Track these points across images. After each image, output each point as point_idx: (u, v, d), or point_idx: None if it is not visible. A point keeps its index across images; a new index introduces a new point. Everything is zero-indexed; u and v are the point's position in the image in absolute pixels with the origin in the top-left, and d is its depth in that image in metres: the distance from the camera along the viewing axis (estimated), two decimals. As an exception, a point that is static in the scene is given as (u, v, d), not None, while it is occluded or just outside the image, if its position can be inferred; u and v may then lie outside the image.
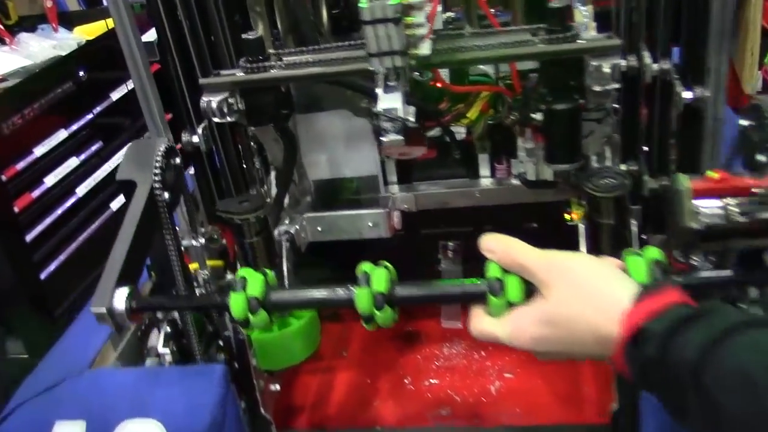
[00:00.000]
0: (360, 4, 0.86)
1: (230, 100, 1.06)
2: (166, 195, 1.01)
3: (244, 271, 0.88)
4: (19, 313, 1.99)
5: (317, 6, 1.21)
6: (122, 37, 1.13)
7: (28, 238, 1.97)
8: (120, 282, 0.90)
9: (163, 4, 1.21)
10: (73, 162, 2.17)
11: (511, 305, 0.78)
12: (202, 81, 1.06)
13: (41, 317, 2.00)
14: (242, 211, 1.09)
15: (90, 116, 2.25)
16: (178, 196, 1.07)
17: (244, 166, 1.32)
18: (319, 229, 1.34)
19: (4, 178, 1.90)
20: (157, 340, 1.14)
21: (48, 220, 2.05)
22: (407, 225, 1.38)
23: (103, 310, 0.87)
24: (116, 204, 2.31)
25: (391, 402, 1.38)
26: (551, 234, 1.41)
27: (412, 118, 0.91)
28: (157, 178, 1.00)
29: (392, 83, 0.92)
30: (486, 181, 1.34)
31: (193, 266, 1.24)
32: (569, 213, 1.27)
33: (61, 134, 2.14)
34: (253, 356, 1.13)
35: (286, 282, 1.17)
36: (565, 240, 1.27)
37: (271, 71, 1.04)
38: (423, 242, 1.45)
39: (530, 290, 0.78)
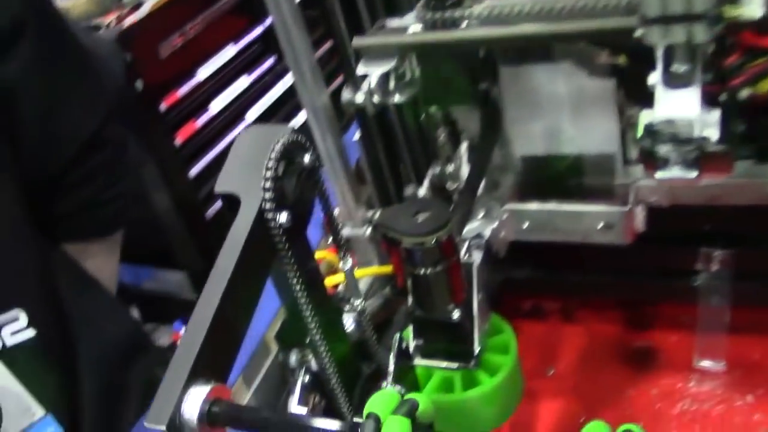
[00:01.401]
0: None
1: (400, 70, 0.68)
2: (283, 217, 0.65)
3: (377, 404, 0.54)
4: (185, 256, 1.81)
5: None
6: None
7: (192, 173, 1.76)
8: (196, 374, 0.56)
9: None
10: (242, 82, 1.91)
11: None
12: (356, 42, 0.69)
13: (208, 260, 1.82)
14: (416, 233, 0.74)
15: (262, 27, 1.95)
16: (307, 214, 0.71)
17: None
18: (526, 226, 0.96)
19: (163, 107, 1.67)
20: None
21: (214, 152, 1.82)
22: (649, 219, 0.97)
23: (162, 427, 0.53)
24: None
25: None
26: None
27: (714, 135, 0.50)
28: (268, 195, 0.64)
29: (682, 69, 0.50)
30: (785, 169, 0.89)
31: (332, 281, 0.93)
32: None
33: (229, 51, 1.86)
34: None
35: (477, 328, 0.81)
36: None
37: (467, 25, 0.65)
38: (671, 246, 1.02)
39: None
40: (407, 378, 0.77)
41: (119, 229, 1.08)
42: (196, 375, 0.56)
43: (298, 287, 0.68)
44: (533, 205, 0.95)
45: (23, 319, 0.85)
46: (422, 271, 0.77)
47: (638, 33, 0.52)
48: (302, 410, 0.80)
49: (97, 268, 1.01)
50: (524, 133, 0.95)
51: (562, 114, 0.91)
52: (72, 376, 0.91)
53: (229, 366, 0.61)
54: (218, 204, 1.83)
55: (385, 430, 0.51)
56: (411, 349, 0.83)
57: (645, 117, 0.53)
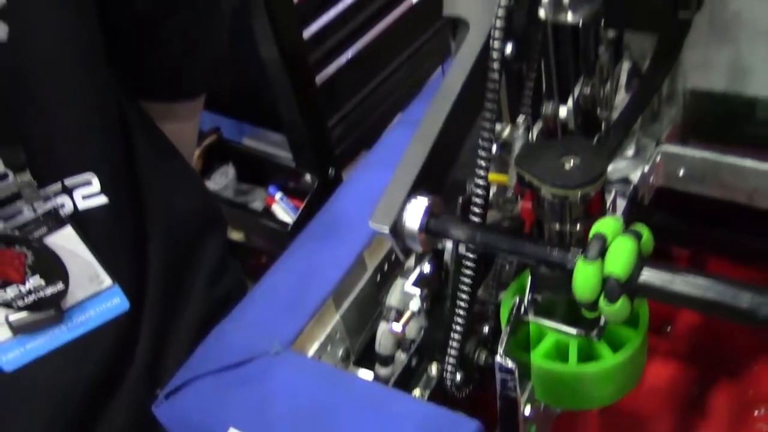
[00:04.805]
0: None
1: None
2: (509, 48, 0.62)
3: (604, 225, 0.56)
4: (287, 117, 1.71)
5: None
6: None
7: (306, 34, 1.62)
8: (419, 184, 0.62)
9: None
10: None
11: None
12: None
13: (310, 126, 1.72)
14: (560, 183, 0.60)
15: None
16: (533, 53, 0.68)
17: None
18: (682, 173, 0.81)
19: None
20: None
21: (331, 13, 1.67)
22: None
23: (386, 229, 0.60)
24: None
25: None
26: None
27: None
28: (499, 23, 0.59)
29: None
30: None
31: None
32: None
33: None
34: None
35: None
36: None
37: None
38: None
39: None
40: (519, 333, 0.67)
41: (205, 92, 0.98)
42: (418, 185, 0.61)
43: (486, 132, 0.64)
44: (695, 151, 0.80)
45: (96, 184, 0.77)
46: (557, 227, 0.64)
47: None
48: (414, 291, 0.71)
49: (177, 133, 0.92)
50: (701, 62, 0.78)
51: (760, 47, 0.73)
52: (141, 247, 0.84)
53: (445, 184, 0.66)
54: (329, 70, 1.71)
55: (613, 253, 0.53)
56: (524, 303, 0.72)
57: None
